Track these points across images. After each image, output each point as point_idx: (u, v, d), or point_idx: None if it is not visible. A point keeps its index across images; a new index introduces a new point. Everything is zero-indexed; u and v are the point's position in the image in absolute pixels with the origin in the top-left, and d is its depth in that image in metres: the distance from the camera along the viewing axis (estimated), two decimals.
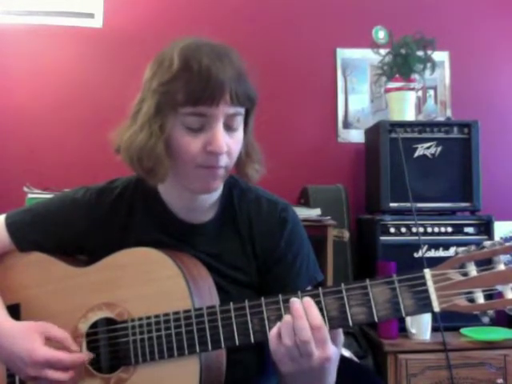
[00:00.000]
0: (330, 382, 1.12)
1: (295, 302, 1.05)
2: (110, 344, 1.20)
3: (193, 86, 1.11)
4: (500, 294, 0.99)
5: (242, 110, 1.18)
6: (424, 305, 1.01)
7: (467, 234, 2.49)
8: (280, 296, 1.08)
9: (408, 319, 2.31)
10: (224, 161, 1.17)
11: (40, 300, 1.27)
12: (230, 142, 1.16)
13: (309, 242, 1.35)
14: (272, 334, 1.06)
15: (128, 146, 1.19)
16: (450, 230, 2.48)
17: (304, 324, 1.02)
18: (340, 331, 1.10)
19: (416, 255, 2.43)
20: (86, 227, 1.29)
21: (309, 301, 1.06)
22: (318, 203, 2.48)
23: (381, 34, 2.68)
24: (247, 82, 1.17)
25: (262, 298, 1.09)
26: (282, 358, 1.05)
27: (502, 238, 2.69)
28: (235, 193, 1.31)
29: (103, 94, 2.73)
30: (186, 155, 1.16)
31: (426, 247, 2.43)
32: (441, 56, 2.90)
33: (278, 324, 1.06)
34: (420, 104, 2.86)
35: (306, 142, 2.90)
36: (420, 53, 2.63)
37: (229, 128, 1.16)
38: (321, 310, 1.05)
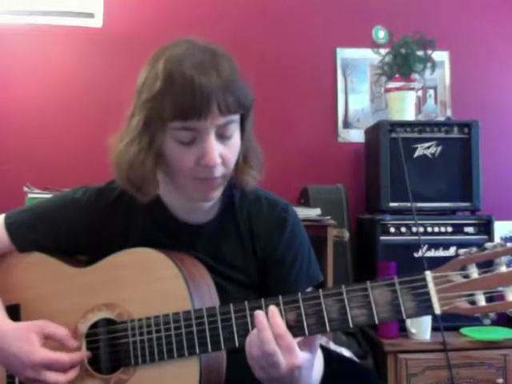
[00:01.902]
0: None
1: (258, 314, 1.05)
2: (110, 345, 1.20)
3: (178, 101, 1.09)
4: (501, 296, 0.99)
5: (235, 118, 1.15)
6: (425, 307, 1.00)
7: (467, 233, 2.48)
8: (280, 298, 1.07)
9: (408, 319, 2.31)
10: (219, 171, 1.16)
11: (40, 300, 1.27)
12: (224, 152, 1.15)
13: (309, 243, 1.35)
14: (246, 343, 1.06)
15: (118, 163, 1.18)
16: (449, 229, 2.47)
17: (268, 336, 1.02)
18: (317, 338, 1.08)
19: (416, 255, 2.43)
20: (86, 227, 1.29)
21: (272, 310, 1.05)
22: (318, 203, 2.47)
23: (381, 34, 2.67)
24: (238, 88, 1.14)
25: (262, 300, 1.08)
26: (253, 365, 1.06)
27: (502, 239, 2.69)
28: (236, 193, 1.31)
29: (103, 93, 2.73)
30: (180, 168, 1.15)
31: (425, 247, 2.43)
32: (441, 56, 2.90)
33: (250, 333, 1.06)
34: (420, 104, 2.86)
35: (306, 142, 2.89)
36: (420, 53, 2.63)
37: (222, 137, 1.14)
38: (321, 311, 1.05)
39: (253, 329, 1.06)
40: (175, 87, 1.09)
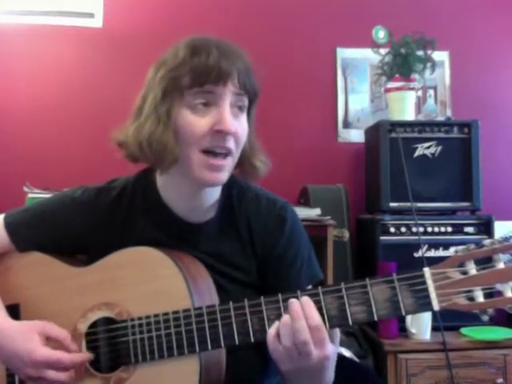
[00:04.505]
0: (329, 379, 1.13)
1: (294, 303, 1.05)
2: (110, 343, 1.20)
3: (200, 70, 1.13)
4: (499, 293, 0.99)
5: (245, 99, 1.19)
6: (424, 303, 1.01)
7: (467, 233, 2.49)
8: (279, 295, 1.08)
9: (408, 319, 2.31)
10: (231, 143, 1.16)
11: (39, 300, 1.27)
12: (236, 125, 1.17)
13: (308, 241, 1.35)
14: (270, 334, 1.06)
15: (136, 135, 1.18)
16: (449, 229, 2.48)
17: (302, 325, 1.03)
18: (337, 330, 1.11)
19: (416, 255, 2.43)
20: (85, 227, 1.29)
21: (307, 300, 1.06)
22: (318, 203, 2.48)
23: (381, 34, 2.68)
24: (252, 74, 1.19)
25: (262, 298, 1.09)
26: (280, 357, 1.06)
27: (501, 237, 2.69)
28: (234, 192, 1.31)
29: (103, 93, 2.74)
30: (191, 137, 1.15)
31: (426, 247, 2.43)
32: (441, 56, 2.90)
33: (276, 324, 1.06)
34: (420, 104, 2.86)
35: (306, 142, 2.90)
36: (420, 53, 2.63)
37: (234, 111, 1.17)
38: (320, 309, 1.05)
39: (253, 326, 1.07)
40: (199, 59, 1.14)
